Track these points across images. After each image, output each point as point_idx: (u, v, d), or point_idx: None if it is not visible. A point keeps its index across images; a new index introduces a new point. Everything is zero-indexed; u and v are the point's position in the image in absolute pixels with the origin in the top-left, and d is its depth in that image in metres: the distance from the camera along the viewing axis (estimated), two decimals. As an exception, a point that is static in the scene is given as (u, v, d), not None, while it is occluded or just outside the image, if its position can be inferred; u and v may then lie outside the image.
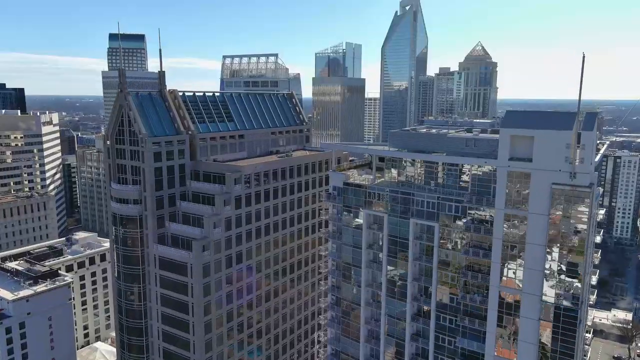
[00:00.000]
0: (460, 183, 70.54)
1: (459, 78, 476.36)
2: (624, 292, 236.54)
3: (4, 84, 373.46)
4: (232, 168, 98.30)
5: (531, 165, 61.05)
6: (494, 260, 65.64)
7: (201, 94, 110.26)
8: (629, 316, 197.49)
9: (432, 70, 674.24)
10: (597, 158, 65.14)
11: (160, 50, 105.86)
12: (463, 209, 68.99)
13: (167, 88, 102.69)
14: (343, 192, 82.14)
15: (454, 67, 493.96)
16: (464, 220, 69.16)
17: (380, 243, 78.36)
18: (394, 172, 78.66)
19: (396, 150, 77.39)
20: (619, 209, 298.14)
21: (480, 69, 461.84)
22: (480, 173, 68.11)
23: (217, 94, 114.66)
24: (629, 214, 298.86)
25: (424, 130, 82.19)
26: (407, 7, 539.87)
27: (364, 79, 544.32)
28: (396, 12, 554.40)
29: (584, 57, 55.34)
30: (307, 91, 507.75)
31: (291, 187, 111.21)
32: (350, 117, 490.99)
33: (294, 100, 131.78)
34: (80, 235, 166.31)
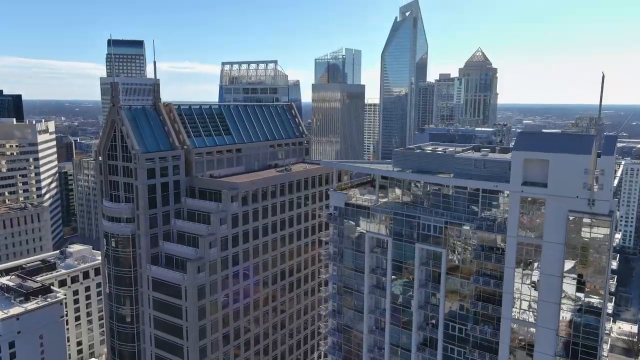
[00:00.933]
0: (470, 206, 66.68)
1: (459, 84, 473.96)
2: (628, 302, 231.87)
3: (2, 91, 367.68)
4: (229, 185, 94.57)
5: (546, 191, 57.25)
6: (506, 290, 61.76)
7: (197, 106, 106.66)
8: (634, 328, 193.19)
9: (432, 76, 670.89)
10: (616, 182, 61.51)
11: (154, 62, 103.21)
12: (472, 234, 65.17)
13: (164, 96, 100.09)
14: (344, 212, 78.43)
15: (454, 73, 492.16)
16: (474, 247, 65.33)
17: (384, 267, 74.51)
18: (398, 191, 74.91)
19: (400, 170, 73.55)
20: (622, 217, 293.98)
21: (481, 75, 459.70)
22: (491, 196, 64.32)
23: (213, 106, 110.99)
24: (631, 222, 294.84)
25: (430, 149, 78.36)
26: (407, 13, 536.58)
27: (363, 85, 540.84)
28: (396, 18, 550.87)
29: (603, 76, 51.75)
30: (306, 97, 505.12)
31: (290, 203, 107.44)
32: (350, 123, 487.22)
33: (293, 111, 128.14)
34: (74, 248, 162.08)
